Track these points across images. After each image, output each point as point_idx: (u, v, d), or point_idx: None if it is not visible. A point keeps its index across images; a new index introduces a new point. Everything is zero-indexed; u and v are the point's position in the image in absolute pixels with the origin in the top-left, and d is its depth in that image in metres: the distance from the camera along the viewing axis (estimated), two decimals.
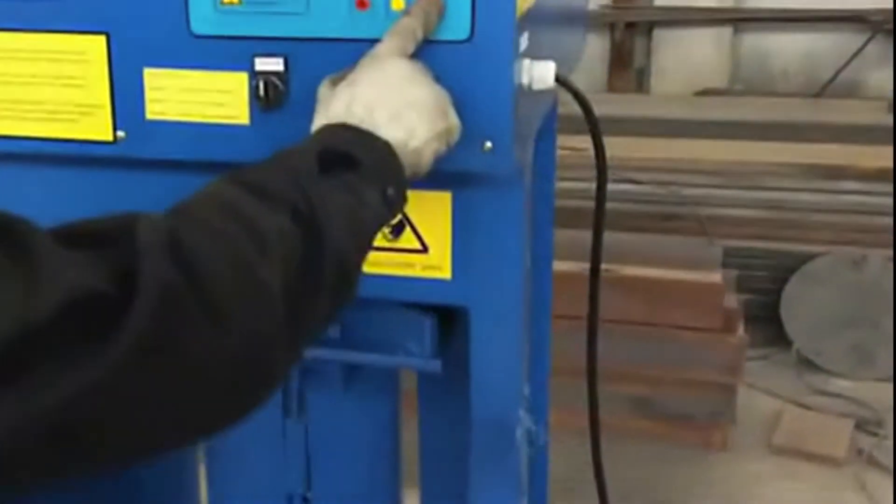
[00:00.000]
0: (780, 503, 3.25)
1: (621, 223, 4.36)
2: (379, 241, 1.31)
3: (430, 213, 1.29)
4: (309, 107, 1.13)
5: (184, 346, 0.78)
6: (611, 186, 4.99)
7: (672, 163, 4.73)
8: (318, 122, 1.10)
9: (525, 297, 1.32)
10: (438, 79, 1.15)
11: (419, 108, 1.09)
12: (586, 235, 4.35)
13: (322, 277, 0.91)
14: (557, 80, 1.23)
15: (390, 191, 1.04)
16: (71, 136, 1.25)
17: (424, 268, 1.31)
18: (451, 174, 1.23)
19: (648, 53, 6.53)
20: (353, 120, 1.07)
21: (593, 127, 1.32)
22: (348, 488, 1.75)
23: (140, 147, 1.24)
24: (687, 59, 6.36)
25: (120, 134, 1.24)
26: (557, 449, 3.60)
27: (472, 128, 1.17)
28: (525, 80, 1.21)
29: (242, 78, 1.20)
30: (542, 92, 1.24)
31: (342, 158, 1.00)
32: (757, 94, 6.17)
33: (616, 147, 4.94)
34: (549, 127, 1.70)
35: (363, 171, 1.00)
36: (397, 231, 1.30)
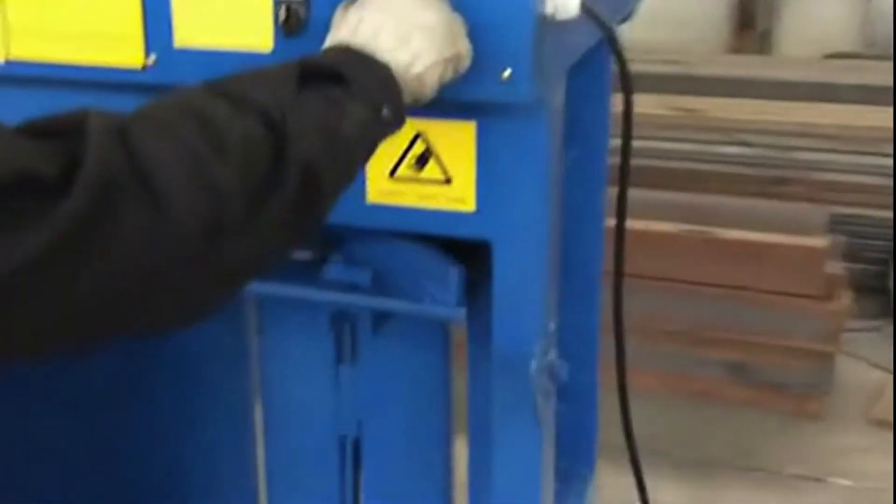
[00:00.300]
0: (873, 477, 3.14)
1: (730, 186, 4.27)
2: (403, 171, 1.31)
3: (455, 144, 1.28)
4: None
5: (122, 232, 0.79)
6: (722, 148, 4.93)
7: (789, 126, 4.59)
8: (327, 44, 1.10)
9: (551, 231, 1.30)
10: (455, 5, 1.14)
11: (427, 33, 1.08)
12: (692, 198, 4.27)
13: (284, 182, 0.91)
14: (584, 10, 1.20)
15: (385, 111, 1.03)
16: (101, 62, 1.28)
17: (448, 200, 1.30)
18: (473, 104, 1.23)
19: (773, 14, 6.32)
20: (356, 41, 1.07)
21: (622, 66, 1.28)
22: (399, 432, 1.77)
23: (168, 73, 1.26)
24: (814, 20, 6.13)
25: (150, 60, 1.27)
26: (644, 413, 3.57)
27: (491, 55, 1.16)
28: (549, 10, 1.19)
29: (267, 4, 1.21)
30: (572, 27, 1.22)
31: (329, 75, 1.00)
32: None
33: (734, 109, 4.84)
34: (599, 79, 1.66)
35: (353, 89, 1.00)
36: (421, 162, 1.30)
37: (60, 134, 0.81)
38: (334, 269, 1.44)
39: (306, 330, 1.67)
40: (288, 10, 1.19)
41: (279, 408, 1.84)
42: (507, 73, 1.17)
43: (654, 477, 3.33)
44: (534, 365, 1.28)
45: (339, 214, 1.34)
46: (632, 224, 3.86)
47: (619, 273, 1.46)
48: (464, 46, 1.12)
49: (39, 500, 1.75)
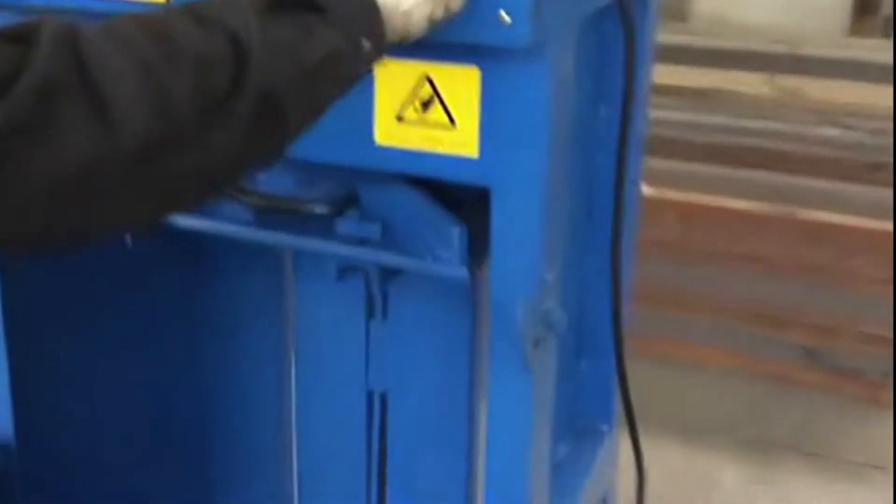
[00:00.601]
0: None
1: (824, 169, 4.17)
2: (409, 114, 1.34)
3: (460, 89, 1.29)
4: None
5: (65, 134, 0.82)
6: (821, 131, 4.79)
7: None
8: None
9: (550, 181, 1.31)
10: None
11: None
12: (780, 178, 4.19)
13: (241, 101, 0.93)
14: None
15: (366, 43, 1.06)
16: None
17: (453, 144, 1.31)
18: (477, 48, 1.24)
19: None
20: None
21: (626, 29, 1.27)
22: (424, 388, 1.81)
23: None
24: None
25: None
26: (714, 392, 3.53)
27: None
28: None
29: None
30: None
31: (306, 3, 1.02)
32: None
33: (839, 91, 4.72)
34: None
35: (329, 18, 1.02)
36: (427, 104, 1.32)
37: (13, 40, 0.84)
38: (346, 224, 1.49)
39: (337, 285, 1.73)
40: None
41: (311, 361, 1.90)
42: (505, 16, 1.18)
43: (717, 454, 3.32)
44: (520, 311, 1.29)
45: (349, 155, 1.40)
46: (715, 201, 3.81)
47: (616, 241, 1.46)
48: None
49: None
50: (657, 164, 4.46)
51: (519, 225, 1.32)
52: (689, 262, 3.62)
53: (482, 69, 1.28)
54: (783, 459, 3.22)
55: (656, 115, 5.07)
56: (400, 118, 1.33)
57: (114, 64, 0.86)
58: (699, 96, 4.87)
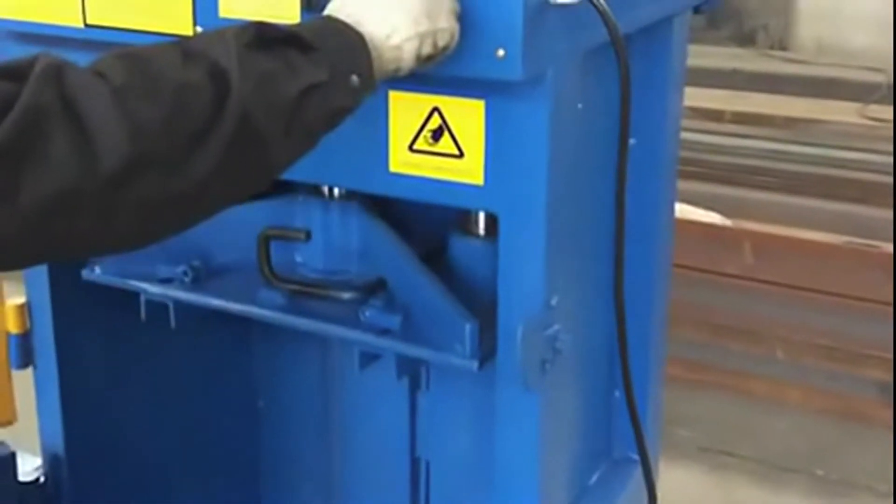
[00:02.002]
0: None
1: None
2: (420, 144, 1.40)
3: (467, 120, 1.35)
4: None
5: (49, 157, 0.91)
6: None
7: None
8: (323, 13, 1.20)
9: (553, 208, 1.35)
10: None
11: (405, 9, 1.18)
12: (860, 210, 4.12)
13: (220, 129, 1.00)
14: None
15: (355, 78, 1.12)
16: (155, 29, 1.42)
17: (460, 172, 1.37)
18: (480, 81, 1.30)
19: None
20: (344, 11, 1.17)
21: (617, 49, 1.30)
22: (466, 455, 1.85)
23: None
24: None
25: (198, 29, 1.40)
26: (784, 428, 3.48)
27: (486, 35, 1.25)
28: None
29: None
30: (581, 12, 1.27)
31: (290, 40, 1.09)
32: None
33: None
34: (656, 69, 1.67)
35: (313, 54, 1.09)
36: (437, 135, 1.37)
37: (10, 76, 0.94)
38: (370, 312, 1.56)
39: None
40: None
41: (356, 429, 2.01)
42: (500, 52, 1.24)
43: (788, 494, 3.26)
44: (520, 333, 1.33)
45: (365, 182, 1.46)
46: (792, 232, 3.77)
47: (619, 260, 1.48)
48: (442, 24, 1.20)
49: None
50: (736, 193, 4.44)
51: (523, 250, 1.36)
52: (764, 294, 3.59)
53: (486, 101, 1.33)
54: (858, 500, 3.16)
55: (742, 143, 5.05)
56: (412, 148, 1.39)
57: (93, 93, 0.95)
58: (789, 125, 4.82)
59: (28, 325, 1.77)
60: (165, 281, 1.69)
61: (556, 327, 1.40)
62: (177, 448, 2.01)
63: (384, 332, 1.54)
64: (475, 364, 1.47)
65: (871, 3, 6.80)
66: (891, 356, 3.38)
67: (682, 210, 3.77)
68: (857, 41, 6.78)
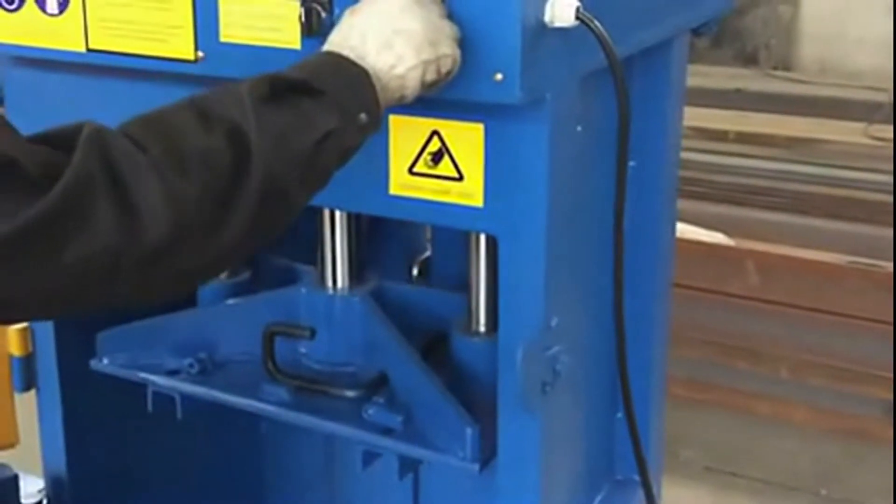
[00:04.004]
0: None
1: None
2: (420, 167, 1.40)
3: (466, 143, 1.36)
4: None
5: (96, 225, 0.95)
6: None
7: None
8: (324, 48, 1.21)
9: (553, 230, 1.36)
10: (450, 13, 1.24)
11: (407, 37, 1.19)
12: (863, 229, 4.13)
13: (246, 193, 1.03)
14: (580, 19, 1.25)
15: (363, 116, 1.14)
16: (157, 54, 1.43)
17: (459, 194, 1.38)
18: (481, 107, 1.31)
19: None
20: (346, 45, 1.18)
21: (615, 73, 1.31)
22: None
23: (215, 66, 1.40)
24: None
25: (200, 54, 1.41)
26: (789, 447, 3.47)
27: (484, 59, 1.26)
28: (546, 17, 1.25)
29: (294, 6, 1.33)
30: (579, 35, 1.28)
31: (300, 86, 1.10)
32: None
33: None
34: (654, 90, 1.68)
35: (324, 99, 1.11)
36: (437, 158, 1.38)
37: (54, 143, 0.98)
38: (373, 411, 1.57)
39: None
40: (308, 12, 1.31)
41: None
42: (498, 76, 1.25)
43: None
44: (520, 354, 1.34)
45: (365, 204, 1.47)
46: (796, 252, 3.77)
47: (618, 282, 1.48)
48: (444, 50, 1.21)
49: None
50: (740, 213, 4.45)
51: (523, 272, 1.37)
52: (768, 314, 3.58)
53: (486, 124, 1.34)
54: None
55: (746, 163, 5.06)
56: (412, 170, 1.40)
57: (134, 164, 0.99)
58: (792, 145, 4.83)
59: (31, 347, 1.78)
60: (172, 373, 1.71)
61: (556, 349, 1.40)
62: (181, 476, 2.01)
63: (386, 431, 1.55)
64: (476, 467, 1.48)
65: (873, 23, 6.83)
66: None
67: (686, 230, 3.78)
68: (859, 61, 6.80)
